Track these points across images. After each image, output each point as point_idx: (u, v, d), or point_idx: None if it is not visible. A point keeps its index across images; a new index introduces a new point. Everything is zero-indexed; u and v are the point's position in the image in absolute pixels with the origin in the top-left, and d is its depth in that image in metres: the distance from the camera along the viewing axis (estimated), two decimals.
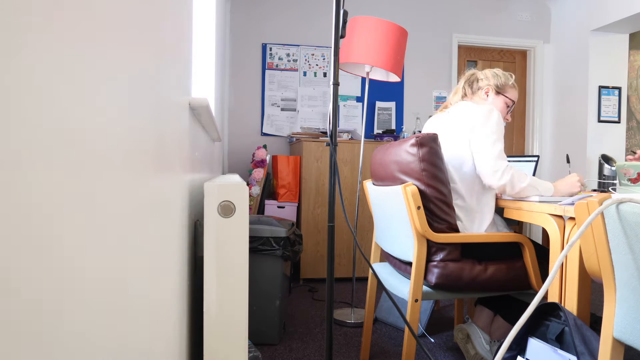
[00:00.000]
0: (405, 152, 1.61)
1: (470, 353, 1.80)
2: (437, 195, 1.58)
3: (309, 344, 2.17)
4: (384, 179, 1.78)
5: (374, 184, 1.93)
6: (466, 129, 1.69)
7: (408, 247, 1.63)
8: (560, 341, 1.25)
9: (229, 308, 1.19)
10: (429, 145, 1.58)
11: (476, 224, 1.68)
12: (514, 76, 1.93)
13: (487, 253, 1.64)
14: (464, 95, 1.93)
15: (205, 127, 1.78)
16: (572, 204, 1.36)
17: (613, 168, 2.02)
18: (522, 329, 1.34)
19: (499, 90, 1.87)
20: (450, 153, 1.72)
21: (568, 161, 2.53)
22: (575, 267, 1.31)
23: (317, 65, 4.11)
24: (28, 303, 0.33)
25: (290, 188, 3.41)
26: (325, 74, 4.12)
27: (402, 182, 1.63)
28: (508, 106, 1.89)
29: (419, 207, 1.55)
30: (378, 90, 4.20)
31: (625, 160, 2.18)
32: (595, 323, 2.05)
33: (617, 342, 1.00)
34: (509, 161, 2.53)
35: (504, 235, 1.63)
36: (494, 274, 1.60)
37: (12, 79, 0.30)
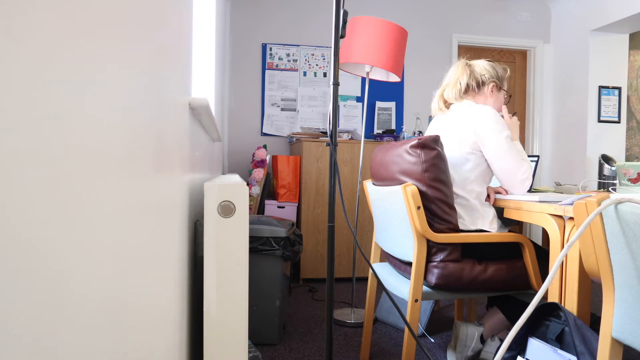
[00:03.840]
0: (407, 153, 1.61)
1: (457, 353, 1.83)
2: (438, 196, 1.58)
3: (309, 344, 2.17)
4: (384, 179, 1.77)
5: (374, 184, 1.93)
6: (469, 130, 1.70)
7: (408, 247, 1.63)
8: (560, 341, 1.25)
9: (229, 308, 1.19)
10: (431, 146, 1.58)
11: (479, 220, 1.69)
12: (507, 69, 1.91)
13: (487, 253, 1.64)
14: (467, 89, 1.82)
15: (205, 127, 1.78)
16: (572, 204, 1.36)
17: (613, 168, 2.02)
18: (522, 329, 1.34)
19: (501, 86, 1.87)
20: (452, 153, 1.72)
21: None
22: (575, 267, 1.31)
23: (317, 65, 4.11)
24: (25, 304, 0.33)
25: (290, 188, 3.41)
26: (325, 74, 4.12)
27: (404, 183, 1.63)
28: (506, 102, 1.89)
29: (419, 207, 1.55)
30: (378, 90, 4.20)
31: None
32: (595, 323, 2.05)
33: (615, 342, 1.00)
34: None
35: (504, 235, 1.63)
36: (494, 274, 1.60)
37: (11, 79, 0.30)
